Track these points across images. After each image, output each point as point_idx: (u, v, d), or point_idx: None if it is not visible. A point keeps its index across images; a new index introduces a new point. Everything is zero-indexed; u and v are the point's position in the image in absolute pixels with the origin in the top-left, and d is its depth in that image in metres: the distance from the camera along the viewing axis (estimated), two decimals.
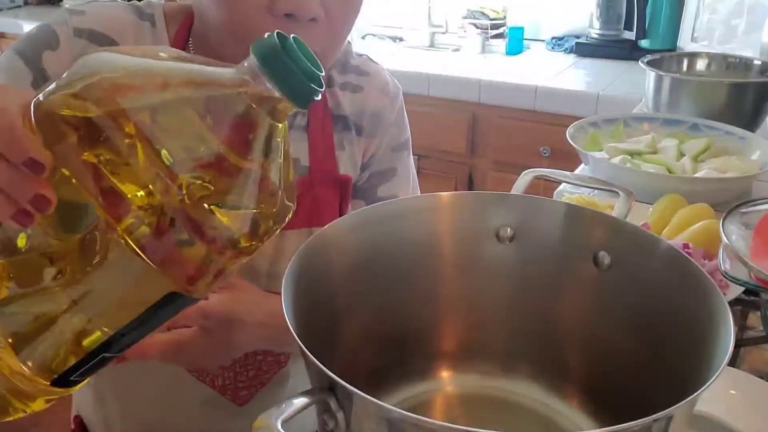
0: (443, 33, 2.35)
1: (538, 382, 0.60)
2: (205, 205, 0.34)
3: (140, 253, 0.35)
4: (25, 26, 2.71)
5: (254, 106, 0.35)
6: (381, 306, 0.58)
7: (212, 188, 0.34)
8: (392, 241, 0.57)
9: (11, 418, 0.41)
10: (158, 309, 0.37)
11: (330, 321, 0.54)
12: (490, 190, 0.69)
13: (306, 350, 0.39)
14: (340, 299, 0.55)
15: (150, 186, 0.33)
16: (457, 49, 2.31)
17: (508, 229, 0.59)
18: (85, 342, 0.38)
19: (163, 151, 0.34)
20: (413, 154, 0.83)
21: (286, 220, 0.39)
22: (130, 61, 0.36)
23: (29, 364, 0.39)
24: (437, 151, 1.95)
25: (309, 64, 0.35)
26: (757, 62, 1.35)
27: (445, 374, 0.62)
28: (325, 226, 0.53)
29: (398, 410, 0.35)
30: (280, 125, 0.36)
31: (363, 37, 2.48)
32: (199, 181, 0.34)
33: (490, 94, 1.86)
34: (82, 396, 0.81)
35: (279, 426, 0.35)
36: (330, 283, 0.54)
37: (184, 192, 0.34)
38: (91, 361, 0.39)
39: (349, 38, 0.70)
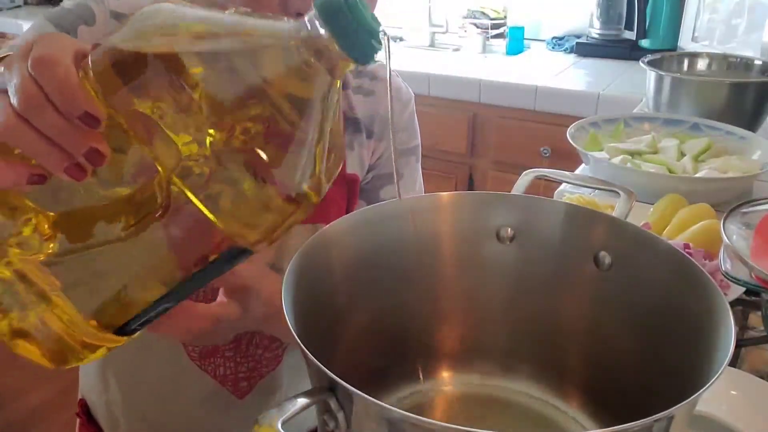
0: (443, 33, 2.35)
1: (539, 382, 0.60)
2: (268, 156, 0.34)
3: (203, 207, 0.34)
4: (25, 26, 2.71)
5: (314, 60, 0.35)
6: (381, 306, 0.58)
7: (275, 138, 0.34)
8: (392, 241, 0.57)
9: (69, 366, 0.41)
10: (219, 262, 0.37)
11: (330, 321, 0.54)
12: (490, 190, 0.69)
13: (306, 350, 0.39)
14: (341, 299, 0.55)
15: (209, 135, 0.33)
16: (457, 49, 2.31)
17: (509, 229, 0.59)
18: (145, 295, 0.38)
19: (222, 101, 0.33)
20: None
21: (335, 177, 0.38)
22: (190, 11, 0.35)
23: (88, 315, 0.39)
24: (437, 150, 1.95)
25: (370, 20, 0.35)
26: (757, 62, 1.35)
27: (445, 374, 0.62)
28: (326, 226, 0.53)
29: (398, 410, 0.35)
30: (337, 82, 0.36)
31: None
32: (259, 130, 0.34)
33: (490, 94, 1.86)
34: (87, 380, 0.83)
35: (279, 426, 0.35)
36: (330, 283, 0.54)
37: (247, 140, 0.33)
38: (151, 312, 0.39)
39: None
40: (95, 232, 0.37)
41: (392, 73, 0.78)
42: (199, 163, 0.34)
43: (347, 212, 0.73)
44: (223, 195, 0.34)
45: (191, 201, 0.34)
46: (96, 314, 0.39)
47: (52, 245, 0.38)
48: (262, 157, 0.34)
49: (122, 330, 0.40)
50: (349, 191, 0.73)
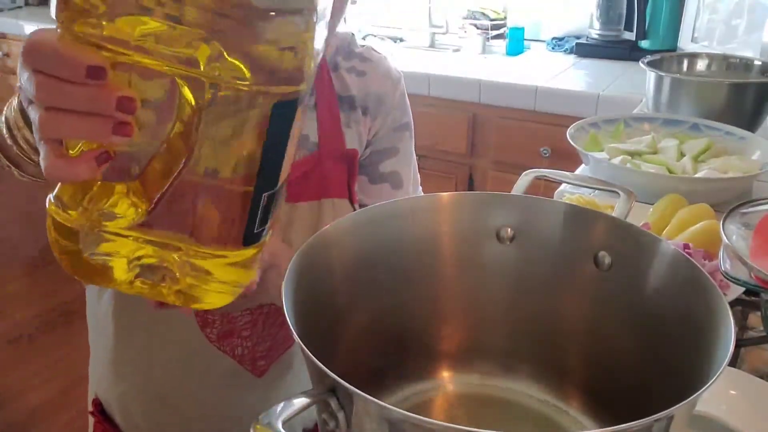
0: (444, 33, 2.36)
1: (539, 382, 0.60)
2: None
3: (237, 81, 0.35)
4: (26, 27, 2.71)
5: None
6: (382, 306, 0.58)
7: None
8: (393, 241, 0.57)
9: (235, 297, 0.43)
10: (274, 125, 0.38)
11: (331, 321, 0.54)
12: (490, 191, 0.69)
13: (307, 350, 0.39)
14: (341, 299, 0.55)
15: (200, 28, 0.34)
16: (457, 50, 2.31)
17: (509, 229, 0.59)
18: (242, 194, 0.39)
19: None
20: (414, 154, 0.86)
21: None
22: None
23: (213, 245, 0.40)
24: (438, 151, 1.95)
25: None
26: (757, 62, 1.35)
27: (445, 374, 0.62)
28: (326, 226, 0.53)
29: (399, 410, 0.35)
30: None
31: (364, 38, 2.48)
32: None
33: (490, 95, 1.86)
34: (98, 377, 0.84)
35: (280, 426, 0.35)
36: (331, 283, 0.54)
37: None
38: (260, 206, 0.40)
39: (352, 31, 0.78)
40: (172, 172, 0.38)
41: (381, 55, 0.81)
42: (213, 59, 0.34)
43: (348, 187, 0.76)
44: (249, 59, 0.35)
45: (224, 86, 0.35)
46: (219, 240, 0.40)
47: (146, 206, 0.39)
48: (256, 6, 0.34)
49: (251, 238, 0.41)
50: (349, 167, 0.76)
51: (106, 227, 0.39)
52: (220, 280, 0.42)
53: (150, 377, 0.79)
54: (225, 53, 0.35)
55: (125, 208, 0.39)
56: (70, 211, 0.39)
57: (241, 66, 0.35)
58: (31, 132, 0.51)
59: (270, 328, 0.76)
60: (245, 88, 0.36)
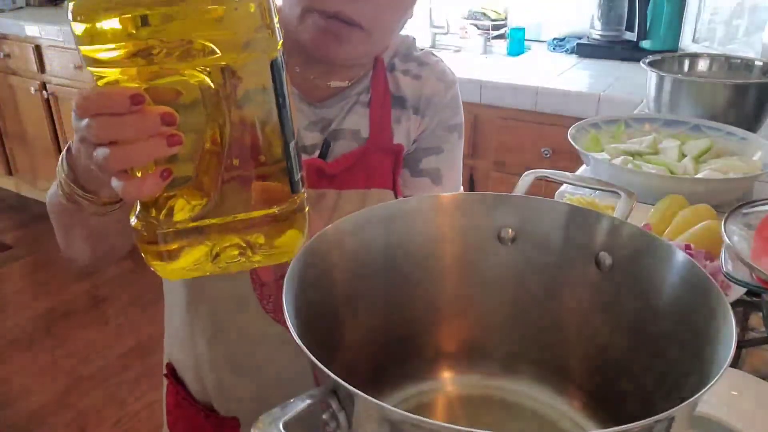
0: (445, 34, 2.36)
1: (540, 383, 0.60)
2: None
3: (237, 61, 0.42)
4: (27, 28, 2.72)
5: None
6: (383, 306, 0.58)
7: None
8: (394, 242, 0.57)
9: (299, 248, 0.49)
10: (276, 82, 0.44)
11: (332, 322, 0.54)
12: (491, 191, 0.69)
13: (308, 351, 0.39)
14: (342, 300, 0.55)
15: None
16: (458, 50, 2.32)
17: (510, 230, 0.59)
18: (275, 152, 0.46)
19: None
20: None
21: None
22: None
23: (274, 204, 0.46)
24: None
25: None
26: (758, 63, 1.35)
27: (446, 375, 0.62)
28: (327, 227, 0.54)
29: (400, 411, 0.35)
30: None
31: None
32: None
33: (491, 95, 1.86)
34: (175, 344, 0.89)
35: (281, 427, 0.35)
36: (332, 284, 0.54)
37: None
38: (290, 157, 0.46)
39: (412, 35, 0.86)
40: (220, 158, 0.44)
41: (438, 59, 0.87)
42: (209, 48, 0.41)
43: (393, 179, 0.80)
44: (237, 38, 0.41)
45: (229, 65, 0.42)
46: (275, 198, 0.46)
47: (207, 198, 0.45)
48: None
49: (296, 187, 0.47)
50: (394, 160, 0.80)
51: (180, 225, 0.45)
52: (285, 241, 0.48)
53: (217, 346, 0.82)
54: (218, 39, 0.41)
55: (191, 207, 0.45)
56: (151, 219, 0.46)
57: (237, 44, 0.41)
58: (79, 187, 0.58)
59: None
60: (244, 60, 0.42)
